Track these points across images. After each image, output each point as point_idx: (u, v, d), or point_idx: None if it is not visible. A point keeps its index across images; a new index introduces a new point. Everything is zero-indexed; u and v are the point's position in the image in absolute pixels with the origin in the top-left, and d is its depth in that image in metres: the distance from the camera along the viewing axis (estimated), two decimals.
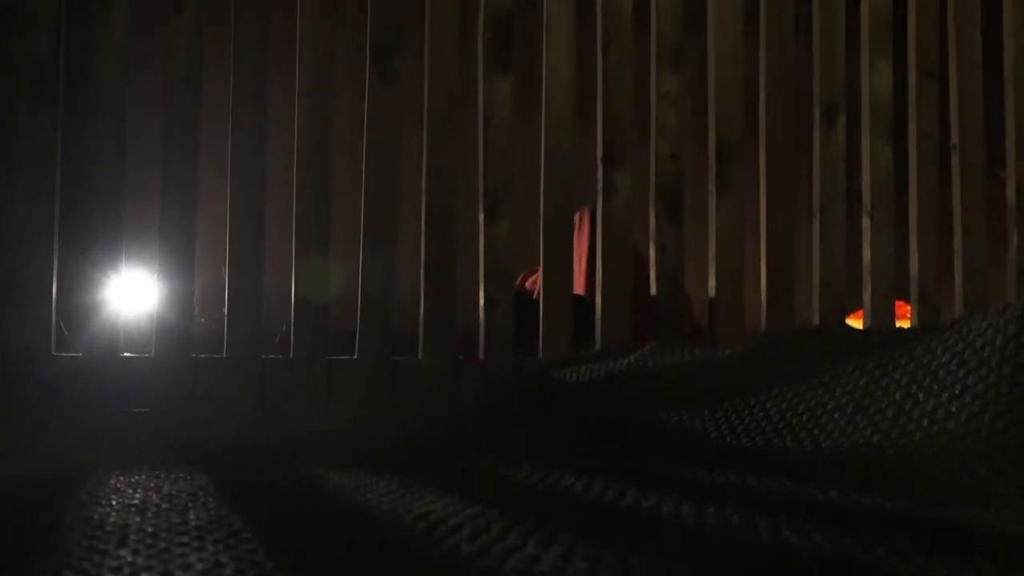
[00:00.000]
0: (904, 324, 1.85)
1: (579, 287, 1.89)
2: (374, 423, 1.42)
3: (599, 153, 1.67)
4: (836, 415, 0.91)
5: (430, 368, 1.53)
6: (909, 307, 1.76)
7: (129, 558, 0.47)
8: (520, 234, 1.59)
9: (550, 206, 1.64)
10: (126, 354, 1.40)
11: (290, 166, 1.48)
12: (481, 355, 1.59)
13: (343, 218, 1.54)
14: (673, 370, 1.25)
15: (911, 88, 1.78)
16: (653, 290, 1.68)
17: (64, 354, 1.36)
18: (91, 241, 1.36)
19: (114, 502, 0.65)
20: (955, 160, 1.80)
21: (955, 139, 1.80)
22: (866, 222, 1.76)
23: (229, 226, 1.45)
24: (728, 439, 0.95)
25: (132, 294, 1.91)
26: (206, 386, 1.41)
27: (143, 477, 0.81)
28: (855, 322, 1.92)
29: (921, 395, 0.84)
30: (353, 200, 1.54)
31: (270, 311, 1.51)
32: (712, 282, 1.70)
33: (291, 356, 1.48)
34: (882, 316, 1.72)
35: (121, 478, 0.81)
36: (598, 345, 1.62)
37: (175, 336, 1.43)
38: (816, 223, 1.76)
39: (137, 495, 0.70)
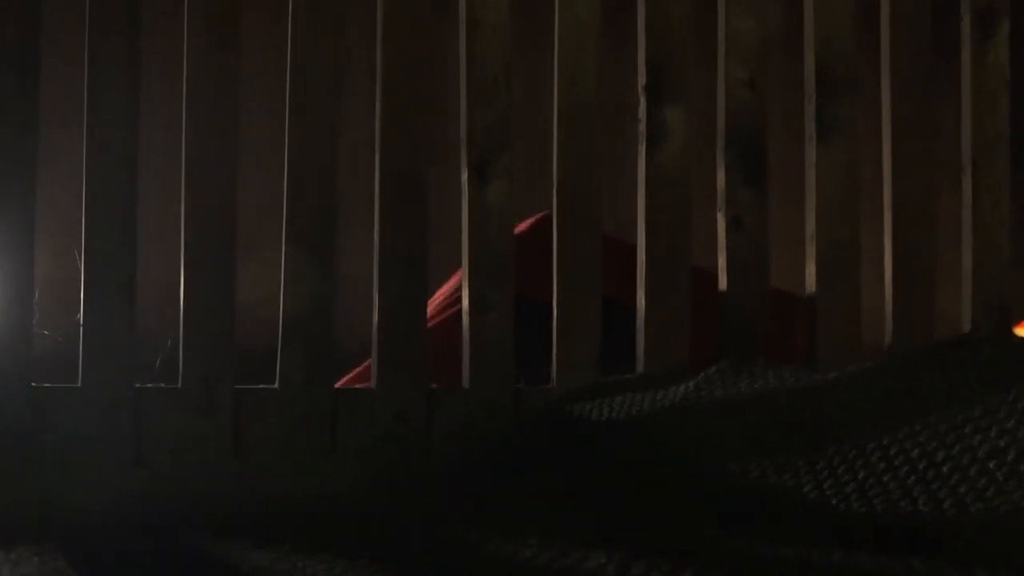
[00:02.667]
0: None
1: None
2: (303, 485, 1.47)
3: (640, 80, 1.71)
4: (991, 465, 0.94)
5: (387, 402, 1.58)
6: None
7: None
8: (521, 203, 1.64)
9: (568, 160, 1.67)
10: None
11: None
12: (465, 382, 1.62)
13: (259, 197, 1.66)
14: (752, 403, 1.30)
15: None
16: (722, 284, 1.71)
17: None
18: None
19: None
20: None
21: None
22: None
23: (84, 212, 1.54)
24: (835, 502, 0.99)
25: None
26: (57, 426, 1.46)
27: None
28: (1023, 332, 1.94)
29: None
30: (275, 177, 1.63)
31: (148, 325, 1.60)
32: (811, 272, 1.73)
33: (179, 385, 1.54)
34: None
35: None
36: (639, 368, 1.66)
37: (7, 356, 1.48)
38: (966, 183, 1.79)
39: None
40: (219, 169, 1.57)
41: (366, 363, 1.75)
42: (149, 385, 1.53)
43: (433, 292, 1.81)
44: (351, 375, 1.85)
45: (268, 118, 1.82)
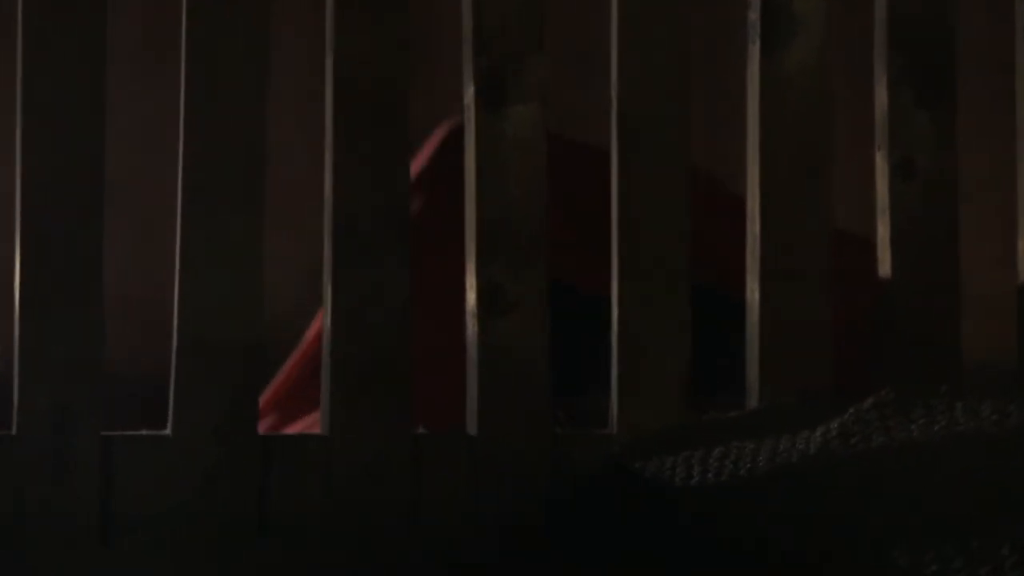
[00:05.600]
0: None
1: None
2: None
3: None
4: None
5: (347, 453, 1.38)
6: None
7: None
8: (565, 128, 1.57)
9: (633, 68, 1.44)
10: None
11: None
12: (471, 426, 1.39)
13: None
14: (933, 459, 1.24)
15: None
16: (883, 263, 1.48)
17: None
18: None
19: None
20: None
21: None
22: None
23: None
24: None
25: None
26: None
27: None
28: None
29: None
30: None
31: None
32: None
33: (14, 431, 1.34)
34: None
35: None
36: (751, 399, 1.44)
37: None
38: None
39: None
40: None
41: (290, 366, 1.71)
42: None
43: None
44: (270, 392, 1.72)
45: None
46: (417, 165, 1.74)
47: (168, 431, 1.33)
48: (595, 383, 1.47)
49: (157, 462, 1.34)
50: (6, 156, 1.46)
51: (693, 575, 1.24)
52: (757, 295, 1.43)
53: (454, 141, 1.62)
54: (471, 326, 1.40)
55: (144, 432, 1.37)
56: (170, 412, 1.33)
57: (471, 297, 1.39)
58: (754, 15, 1.44)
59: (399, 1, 1.42)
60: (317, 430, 1.48)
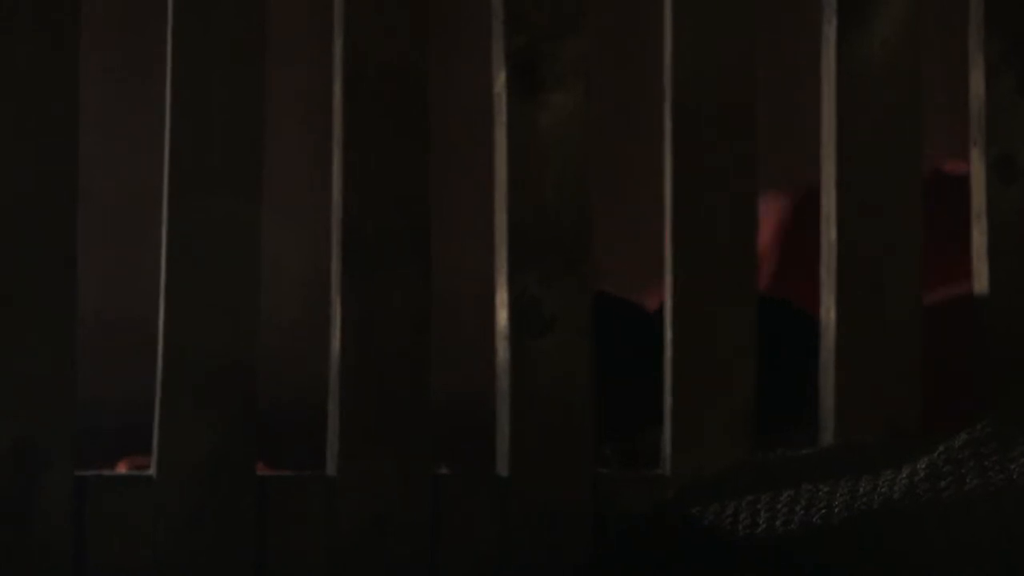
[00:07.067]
0: None
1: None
2: None
3: None
4: None
5: (356, 497, 1.31)
6: None
7: None
8: (605, 130, 1.50)
9: (688, 44, 1.38)
10: None
11: None
12: (502, 466, 1.33)
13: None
14: None
15: None
16: (979, 277, 1.42)
17: None
18: None
19: None
20: None
21: None
22: None
23: None
24: None
25: None
26: None
27: None
28: None
29: None
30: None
31: None
32: None
33: None
34: None
35: None
36: (826, 434, 1.39)
37: None
38: None
39: None
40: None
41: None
42: None
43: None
44: None
45: None
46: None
47: (152, 471, 1.25)
48: (646, 415, 1.41)
49: (139, 506, 1.25)
50: None
51: None
52: (833, 313, 1.35)
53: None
54: (501, 350, 1.33)
55: (124, 472, 1.39)
56: (154, 448, 1.25)
57: (501, 315, 1.33)
58: None
59: None
60: None
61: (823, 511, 1.19)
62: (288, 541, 1.27)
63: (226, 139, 1.37)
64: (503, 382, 1.31)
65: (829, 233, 1.35)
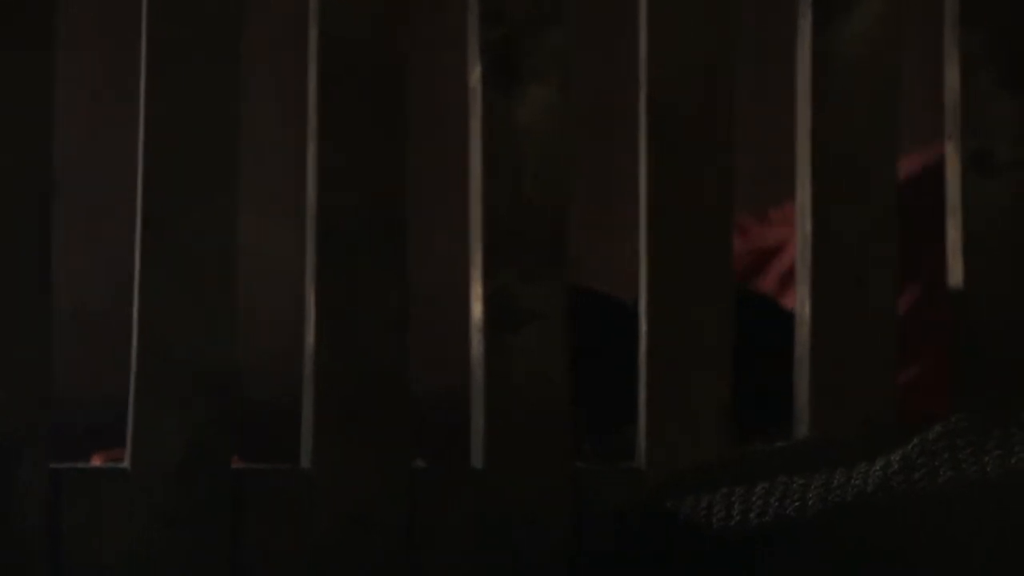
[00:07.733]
0: None
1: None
2: None
3: None
4: None
5: (333, 492, 1.32)
6: None
7: None
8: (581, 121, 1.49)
9: (664, 40, 1.39)
10: None
11: None
12: (477, 458, 1.33)
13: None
14: (1011, 499, 1.20)
15: None
16: (953, 269, 1.43)
17: None
18: None
19: None
20: None
21: None
22: None
23: None
24: None
25: None
26: None
27: None
28: None
29: None
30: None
31: None
32: None
33: None
34: None
35: None
36: (800, 426, 1.39)
37: None
38: None
39: None
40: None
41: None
42: None
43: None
44: None
45: None
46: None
47: (127, 464, 1.24)
48: (623, 408, 1.39)
49: (115, 500, 1.25)
50: None
51: None
52: (808, 305, 1.35)
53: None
54: (476, 343, 1.32)
55: (100, 465, 1.35)
56: (128, 443, 1.25)
57: (476, 309, 1.32)
58: None
59: None
60: None
61: (797, 503, 1.20)
62: (265, 536, 1.27)
63: (202, 134, 1.36)
64: (478, 376, 1.31)
65: (804, 225, 1.36)
